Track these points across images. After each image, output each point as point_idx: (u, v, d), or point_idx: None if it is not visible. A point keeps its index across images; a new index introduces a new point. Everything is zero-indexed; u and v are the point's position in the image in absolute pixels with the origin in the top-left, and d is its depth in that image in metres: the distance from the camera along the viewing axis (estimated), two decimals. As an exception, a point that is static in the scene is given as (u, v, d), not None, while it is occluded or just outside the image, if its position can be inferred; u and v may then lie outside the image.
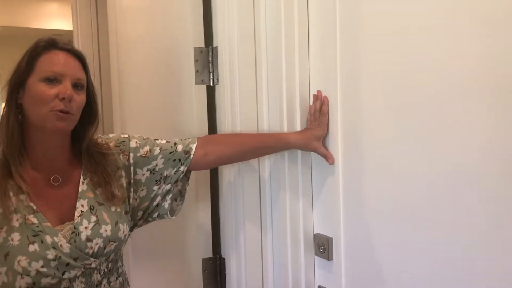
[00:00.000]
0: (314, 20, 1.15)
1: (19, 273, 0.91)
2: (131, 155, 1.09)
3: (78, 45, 2.22)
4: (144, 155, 1.10)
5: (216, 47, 1.32)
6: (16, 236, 0.93)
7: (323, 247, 1.17)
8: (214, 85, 1.35)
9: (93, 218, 1.00)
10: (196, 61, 1.33)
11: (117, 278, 1.08)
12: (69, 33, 4.63)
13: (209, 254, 1.38)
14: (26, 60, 0.97)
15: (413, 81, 0.93)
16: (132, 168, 1.09)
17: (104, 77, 2.25)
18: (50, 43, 0.98)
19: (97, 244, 0.98)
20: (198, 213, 1.37)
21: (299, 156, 1.18)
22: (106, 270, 1.04)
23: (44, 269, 0.93)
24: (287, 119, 1.19)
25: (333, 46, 1.09)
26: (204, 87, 1.35)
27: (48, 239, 0.94)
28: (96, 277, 1.01)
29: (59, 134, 0.99)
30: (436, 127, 0.90)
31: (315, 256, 1.21)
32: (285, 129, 1.19)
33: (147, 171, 1.10)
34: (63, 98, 0.93)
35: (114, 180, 1.06)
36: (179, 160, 1.12)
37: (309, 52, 1.17)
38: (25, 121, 0.98)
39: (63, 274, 0.95)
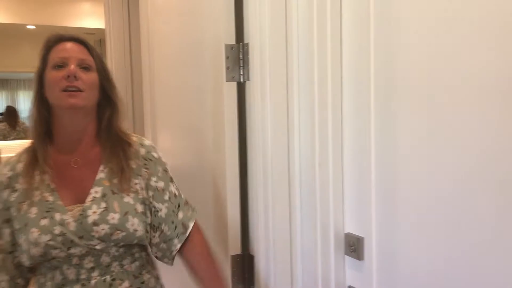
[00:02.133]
0: (347, 14, 1.13)
1: (32, 243, 1.04)
2: (152, 179, 1.18)
3: (110, 43, 2.27)
4: (159, 191, 1.18)
5: (247, 43, 1.32)
6: (34, 210, 1.07)
7: (353, 246, 1.15)
8: (244, 81, 1.35)
9: (103, 205, 1.08)
10: (227, 57, 1.33)
11: (132, 262, 1.14)
12: (101, 31, 4.73)
13: (238, 251, 1.38)
14: (41, 56, 1.11)
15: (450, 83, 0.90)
16: (147, 191, 1.16)
17: (136, 74, 2.28)
18: (58, 37, 1.12)
19: (103, 229, 1.06)
20: (227, 211, 1.37)
21: (330, 153, 1.17)
22: (116, 253, 1.11)
23: (52, 243, 1.04)
24: (318, 114, 1.17)
25: (366, 41, 1.06)
26: (234, 84, 1.35)
27: (58, 216, 1.06)
28: (105, 258, 1.10)
29: (75, 113, 1.10)
30: (473, 128, 0.87)
31: (346, 256, 1.19)
32: (316, 125, 1.18)
33: (153, 208, 1.17)
34: (68, 76, 1.05)
35: (132, 174, 1.14)
36: (175, 229, 1.18)
37: (341, 50, 1.15)
38: (50, 110, 1.11)
39: (68, 249, 1.06)
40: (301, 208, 1.25)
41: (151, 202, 1.16)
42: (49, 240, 1.04)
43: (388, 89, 1.04)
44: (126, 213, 1.09)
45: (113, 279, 1.10)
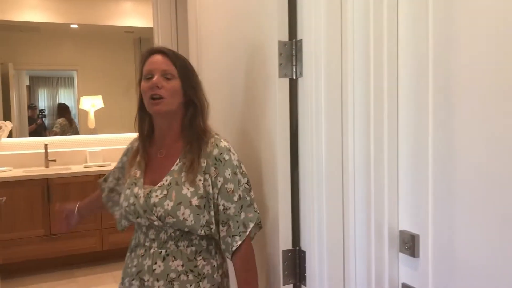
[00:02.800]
0: (403, 7, 1.12)
1: (120, 205, 1.40)
2: (219, 179, 1.32)
3: (158, 41, 2.31)
4: (228, 192, 1.32)
5: (301, 40, 1.32)
6: (127, 180, 1.40)
7: (408, 244, 1.15)
8: (297, 78, 1.36)
9: (164, 192, 1.30)
10: (280, 54, 1.34)
11: (188, 246, 1.32)
12: (140, 30, 4.84)
13: (289, 246, 1.39)
14: (139, 68, 1.36)
15: None
16: (212, 188, 1.32)
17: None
18: (149, 51, 1.36)
19: (159, 211, 1.29)
20: (278, 205, 1.38)
21: (385, 150, 1.16)
22: (173, 234, 1.32)
23: (127, 209, 1.35)
24: (373, 110, 1.17)
25: (424, 36, 1.05)
26: (286, 81, 1.36)
27: (135, 189, 1.35)
28: (163, 235, 1.32)
29: (161, 116, 1.34)
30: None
31: (400, 253, 1.18)
32: (371, 121, 1.17)
33: (222, 205, 1.33)
34: (151, 88, 1.29)
35: (198, 171, 1.31)
36: (238, 227, 1.32)
37: (398, 46, 1.14)
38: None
39: (136, 218, 1.33)
40: (354, 205, 1.25)
41: (217, 199, 1.32)
42: (126, 206, 1.35)
43: (447, 86, 1.02)
44: (179, 203, 1.28)
45: (167, 254, 1.31)
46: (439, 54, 1.04)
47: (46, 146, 4.39)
